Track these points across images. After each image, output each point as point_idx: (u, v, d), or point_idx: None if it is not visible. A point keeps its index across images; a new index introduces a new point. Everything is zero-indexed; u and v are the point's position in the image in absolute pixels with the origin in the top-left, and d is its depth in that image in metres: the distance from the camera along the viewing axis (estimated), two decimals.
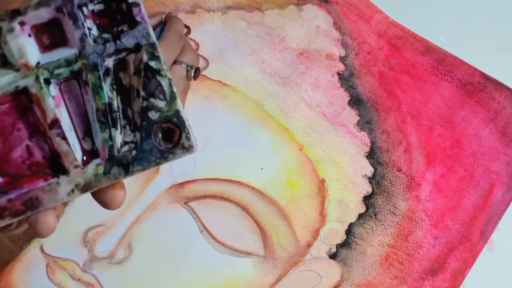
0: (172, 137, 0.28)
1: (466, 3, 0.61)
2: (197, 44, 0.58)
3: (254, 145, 0.52)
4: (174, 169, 0.51)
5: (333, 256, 0.49)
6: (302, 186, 0.51)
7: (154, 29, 0.49)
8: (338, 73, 0.56)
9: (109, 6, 0.27)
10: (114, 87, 0.28)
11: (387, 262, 0.48)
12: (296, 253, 0.49)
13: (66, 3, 0.27)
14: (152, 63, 0.27)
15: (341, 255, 0.49)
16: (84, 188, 0.28)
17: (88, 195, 0.29)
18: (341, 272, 0.48)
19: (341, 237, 0.49)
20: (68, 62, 0.27)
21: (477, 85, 0.56)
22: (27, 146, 0.28)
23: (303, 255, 0.48)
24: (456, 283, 0.48)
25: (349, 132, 0.54)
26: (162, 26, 0.49)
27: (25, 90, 0.27)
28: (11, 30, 0.26)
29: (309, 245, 0.49)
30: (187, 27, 0.57)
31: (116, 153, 0.28)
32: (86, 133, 0.28)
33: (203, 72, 0.55)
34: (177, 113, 0.28)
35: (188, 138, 0.28)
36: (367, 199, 0.51)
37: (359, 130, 0.54)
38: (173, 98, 0.28)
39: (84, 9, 0.27)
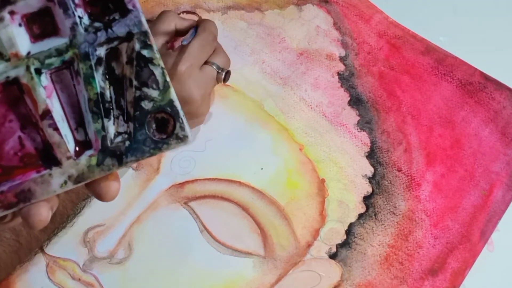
0: (166, 127, 0.27)
1: (466, 3, 0.61)
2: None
3: (254, 145, 0.52)
4: (174, 169, 0.51)
5: (333, 256, 0.49)
6: (302, 186, 0.51)
7: (187, 32, 0.49)
8: (338, 73, 0.56)
9: None
10: (107, 76, 0.27)
11: (387, 262, 0.48)
12: (296, 253, 0.49)
13: None
14: (145, 52, 0.27)
15: (341, 255, 0.49)
16: (77, 180, 0.27)
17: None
18: (341, 272, 0.48)
19: (341, 237, 0.49)
20: (59, 52, 0.27)
21: (477, 85, 0.56)
22: (19, 137, 0.27)
23: (303, 255, 0.48)
24: (456, 283, 0.47)
25: (349, 132, 0.54)
26: (195, 29, 0.49)
27: (16, 80, 0.26)
28: (1, 19, 0.26)
29: (309, 245, 0.49)
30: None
31: (109, 144, 0.27)
32: (78, 123, 0.28)
33: None
34: (171, 102, 0.27)
35: (183, 128, 0.27)
36: (367, 199, 0.51)
37: (359, 130, 0.54)
38: (166, 87, 0.27)
39: None
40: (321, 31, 0.58)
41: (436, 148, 0.53)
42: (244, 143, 0.52)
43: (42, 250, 0.48)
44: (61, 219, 0.44)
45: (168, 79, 0.27)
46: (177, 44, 0.52)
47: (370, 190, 0.51)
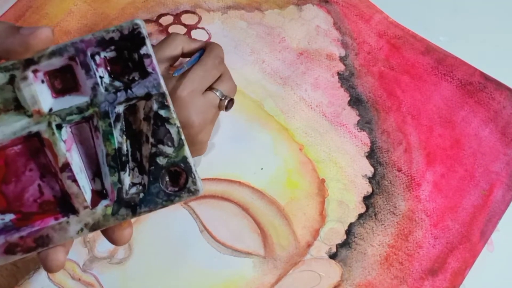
0: (178, 180, 0.29)
1: (466, 3, 0.61)
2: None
3: (254, 145, 0.52)
4: None
5: (333, 256, 0.49)
6: (302, 186, 0.51)
7: (193, 54, 0.48)
8: (338, 73, 0.56)
9: (121, 54, 0.28)
10: (124, 131, 0.29)
11: (387, 262, 0.48)
12: (296, 253, 0.49)
13: (79, 53, 0.27)
14: (162, 112, 0.28)
15: (341, 255, 0.49)
16: (93, 227, 0.29)
17: None
18: (341, 272, 0.48)
19: (341, 237, 0.49)
20: (80, 110, 0.28)
21: (477, 85, 0.56)
22: (39, 185, 0.28)
23: (303, 255, 0.48)
24: (456, 283, 0.48)
25: (349, 132, 0.54)
26: (201, 52, 0.48)
27: (37, 134, 0.28)
28: (25, 78, 0.27)
29: (309, 245, 0.49)
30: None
31: (124, 195, 0.29)
32: (95, 174, 0.29)
33: None
34: (185, 159, 0.29)
35: (194, 183, 0.29)
36: (367, 199, 0.51)
37: (359, 130, 0.54)
38: (181, 145, 0.29)
39: (97, 57, 0.28)
40: (321, 31, 0.58)
41: (436, 148, 0.53)
42: (244, 143, 0.52)
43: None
44: (26, 272, 0.45)
45: (183, 137, 0.29)
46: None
47: (370, 190, 0.51)
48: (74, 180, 0.28)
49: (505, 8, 0.61)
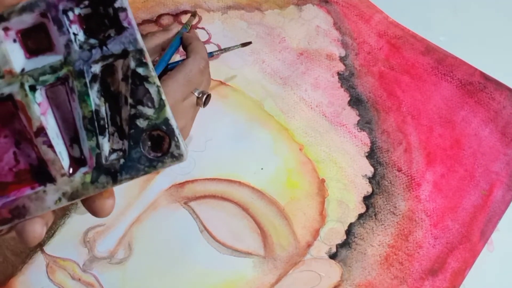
0: (161, 145, 0.27)
1: (466, 3, 0.61)
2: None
3: (254, 145, 0.52)
4: (174, 169, 0.51)
5: (333, 256, 0.49)
6: (302, 186, 0.51)
7: (169, 43, 0.47)
8: (338, 73, 0.56)
9: (96, 10, 0.26)
10: (102, 93, 0.27)
11: (387, 262, 0.48)
12: (296, 253, 0.48)
13: (51, 8, 0.26)
14: (140, 70, 0.27)
15: (341, 255, 0.49)
16: (71, 197, 0.27)
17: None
18: (341, 272, 0.48)
19: (341, 237, 0.49)
20: (54, 69, 0.26)
21: (477, 85, 0.56)
22: (14, 153, 0.27)
23: (303, 255, 0.48)
24: (456, 283, 0.47)
25: (349, 132, 0.54)
26: (178, 41, 0.46)
27: (10, 97, 0.26)
28: None
29: (309, 245, 0.49)
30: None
31: (103, 162, 0.27)
32: (73, 140, 0.27)
33: None
34: (166, 121, 0.27)
35: (178, 147, 0.27)
36: (367, 199, 0.51)
37: (359, 130, 0.54)
38: (162, 105, 0.27)
39: (70, 13, 0.26)
40: (321, 31, 0.58)
41: (436, 148, 0.53)
42: (244, 143, 0.52)
43: (42, 250, 0.48)
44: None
45: (164, 97, 0.27)
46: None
47: (370, 190, 0.51)
48: (50, 146, 0.26)
49: (505, 8, 0.61)
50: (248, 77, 0.56)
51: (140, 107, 0.27)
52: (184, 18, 0.59)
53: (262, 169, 0.52)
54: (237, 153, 0.52)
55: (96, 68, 0.27)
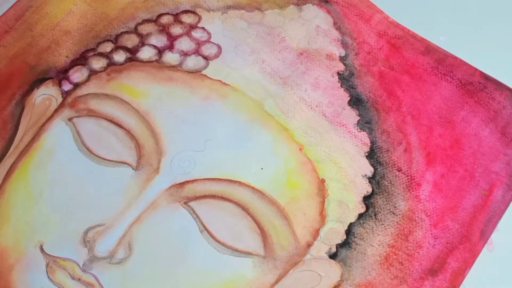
0: None
1: (466, 3, 0.61)
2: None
3: (254, 145, 0.52)
4: (174, 169, 0.51)
5: (333, 256, 0.49)
6: (302, 186, 0.51)
7: None
8: (338, 73, 0.56)
9: None
10: None
11: (387, 262, 0.48)
12: (296, 253, 0.49)
13: None
14: None
15: (341, 255, 0.49)
16: None
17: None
18: (341, 272, 0.48)
19: (341, 237, 0.49)
20: None
21: (477, 85, 0.56)
22: None
23: (303, 255, 0.48)
24: (456, 283, 0.48)
25: (349, 132, 0.54)
26: None
27: None
28: None
29: (309, 245, 0.49)
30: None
31: None
32: None
33: (203, 71, 0.55)
34: None
35: None
36: (367, 199, 0.51)
37: (359, 130, 0.54)
38: None
39: None
40: (321, 31, 0.58)
41: (436, 148, 0.53)
42: (244, 143, 0.52)
43: (42, 250, 0.48)
44: None
45: None
46: None
47: (370, 190, 0.51)
48: None
49: (505, 8, 0.61)
50: (248, 77, 0.56)
51: None
52: (184, 18, 0.59)
53: (262, 169, 0.52)
54: (237, 153, 0.52)
55: None
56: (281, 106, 0.55)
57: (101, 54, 0.57)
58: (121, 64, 0.56)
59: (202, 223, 0.49)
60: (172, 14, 0.59)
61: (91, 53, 0.57)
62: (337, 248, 0.49)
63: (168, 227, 0.49)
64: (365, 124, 0.54)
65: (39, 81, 0.55)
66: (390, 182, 0.51)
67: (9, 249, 0.49)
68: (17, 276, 0.47)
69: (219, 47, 0.57)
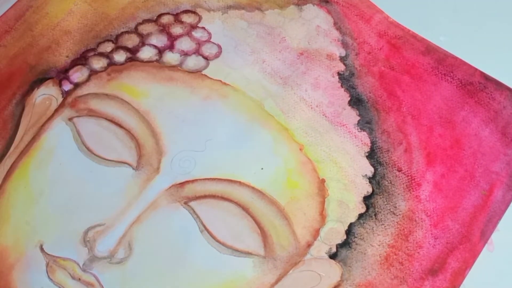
0: None
1: (466, 3, 0.61)
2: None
3: (254, 145, 0.52)
4: (174, 169, 0.51)
5: (333, 256, 0.49)
6: (302, 186, 0.51)
7: None
8: (339, 73, 0.56)
9: None
10: None
11: (387, 262, 0.48)
12: (296, 253, 0.49)
13: None
14: None
15: (341, 255, 0.49)
16: None
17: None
18: (341, 272, 0.48)
19: (341, 237, 0.49)
20: None
21: (477, 85, 0.56)
22: None
23: (303, 255, 0.48)
24: (456, 283, 0.48)
25: (349, 132, 0.54)
26: None
27: None
28: None
29: (309, 245, 0.49)
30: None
31: None
32: None
33: (203, 71, 0.56)
34: None
35: None
36: (367, 199, 0.51)
37: (359, 130, 0.54)
38: None
39: None
40: (322, 31, 0.58)
41: (436, 148, 0.53)
42: (244, 143, 0.52)
43: (42, 250, 0.48)
44: None
45: None
46: None
47: (370, 190, 0.51)
48: None
49: (505, 8, 0.61)
50: (248, 77, 0.56)
51: None
52: (185, 18, 0.59)
53: (262, 169, 0.52)
54: (237, 153, 0.52)
55: None
56: (281, 106, 0.55)
57: (102, 54, 0.57)
58: (122, 64, 0.56)
59: (202, 223, 0.49)
60: (172, 14, 0.59)
61: (92, 53, 0.57)
62: (337, 248, 0.49)
63: (168, 227, 0.49)
64: (365, 124, 0.54)
65: (39, 81, 0.55)
66: (390, 182, 0.51)
67: (9, 249, 0.49)
68: (17, 276, 0.47)
69: (219, 47, 0.57)
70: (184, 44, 0.57)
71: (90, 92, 0.54)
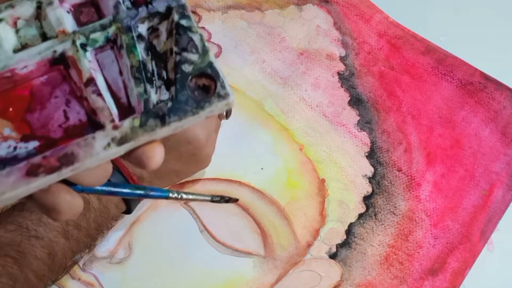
0: (208, 92, 0.28)
1: (466, 3, 0.61)
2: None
3: (254, 145, 0.52)
4: None
5: (333, 256, 0.49)
6: (302, 186, 0.51)
7: None
8: (338, 73, 0.56)
9: None
10: (148, 52, 0.29)
11: (387, 262, 0.48)
12: (296, 253, 0.49)
13: None
14: (183, 22, 0.29)
15: (341, 255, 0.49)
16: (120, 141, 0.27)
17: None
18: (341, 272, 0.48)
19: (341, 237, 0.49)
20: (103, 27, 0.28)
21: (477, 85, 0.56)
22: (64, 111, 0.28)
23: (303, 255, 0.48)
24: (456, 283, 0.48)
25: (349, 132, 0.54)
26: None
27: (62, 58, 0.28)
28: (51, 3, 0.28)
29: (309, 245, 0.49)
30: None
31: (151, 107, 0.28)
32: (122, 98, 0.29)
33: None
34: (211, 64, 0.28)
35: (223, 87, 0.28)
36: (367, 199, 0.51)
37: (359, 130, 0.54)
38: (205, 51, 0.28)
39: None
40: (322, 31, 0.58)
41: (436, 148, 0.53)
42: (244, 143, 0.52)
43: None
44: (60, 268, 0.43)
45: (206, 44, 0.29)
46: None
47: (370, 190, 0.51)
48: (99, 94, 0.28)
49: (505, 8, 0.61)
50: (249, 77, 0.56)
51: (185, 54, 0.28)
52: None
53: (262, 169, 0.52)
54: (237, 153, 0.52)
55: (143, 30, 0.29)
56: (282, 106, 0.55)
57: None
58: None
59: (202, 223, 0.49)
60: None
61: None
62: (337, 248, 0.49)
63: (168, 227, 0.49)
64: (365, 124, 0.54)
65: None
66: (390, 182, 0.51)
67: None
68: None
69: (219, 47, 0.57)
70: None
71: None
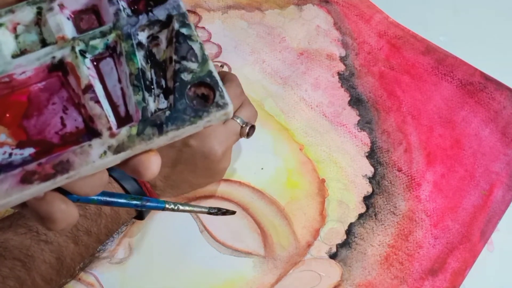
0: (207, 101, 0.28)
1: (466, 3, 0.61)
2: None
3: (254, 145, 0.52)
4: None
5: (333, 256, 0.49)
6: (302, 186, 0.51)
7: None
8: (339, 73, 0.56)
9: None
10: (148, 60, 0.29)
11: (387, 262, 0.48)
12: (296, 253, 0.48)
13: None
14: (183, 30, 0.29)
15: (341, 255, 0.49)
16: (116, 150, 0.27)
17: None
18: (341, 272, 0.48)
19: (341, 237, 0.49)
20: (103, 34, 0.28)
21: (477, 85, 0.56)
22: (61, 118, 0.28)
23: (303, 255, 0.48)
24: (456, 283, 0.48)
25: (349, 132, 0.54)
26: None
27: (61, 64, 0.28)
28: (51, 9, 0.28)
29: (309, 245, 0.49)
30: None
31: (149, 115, 0.28)
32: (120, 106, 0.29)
33: None
34: (210, 73, 0.28)
35: (222, 96, 0.28)
36: (367, 199, 0.51)
37: (359, 130, 0.54)
38: (205, 60, 0.28)
39: None
40: (322, 31, 0.58)
41: (436, 148, 0.53)
42: (244, 143, 0.52)
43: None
44: (68, 273, 0.42)
45: (206, 53, 0.28)
46: None
47: (370, 190, 0.51)
48: (97, 101, 0.27)
49: (505, 8, 0.61)
50: (249, 77, 0.56)
51: (184, 62, 0.28)
52: None
53: (262, 169, 0.52)
54: (237, 153, 0.52)
55: (143, 37, 0.29)
56: (282, 106, 0.55)
57: None
58: None
59: (202, 223, 0.49)
60: None
61: None
62: (337, 248, 0.49)
63: (168, 227, 0.49)
64: (365, 124, 0.54)
65: None
66: (390, 182, 0.51)
67: None
68: None
69: (219, 47, 0.57)
70: None
71: None
